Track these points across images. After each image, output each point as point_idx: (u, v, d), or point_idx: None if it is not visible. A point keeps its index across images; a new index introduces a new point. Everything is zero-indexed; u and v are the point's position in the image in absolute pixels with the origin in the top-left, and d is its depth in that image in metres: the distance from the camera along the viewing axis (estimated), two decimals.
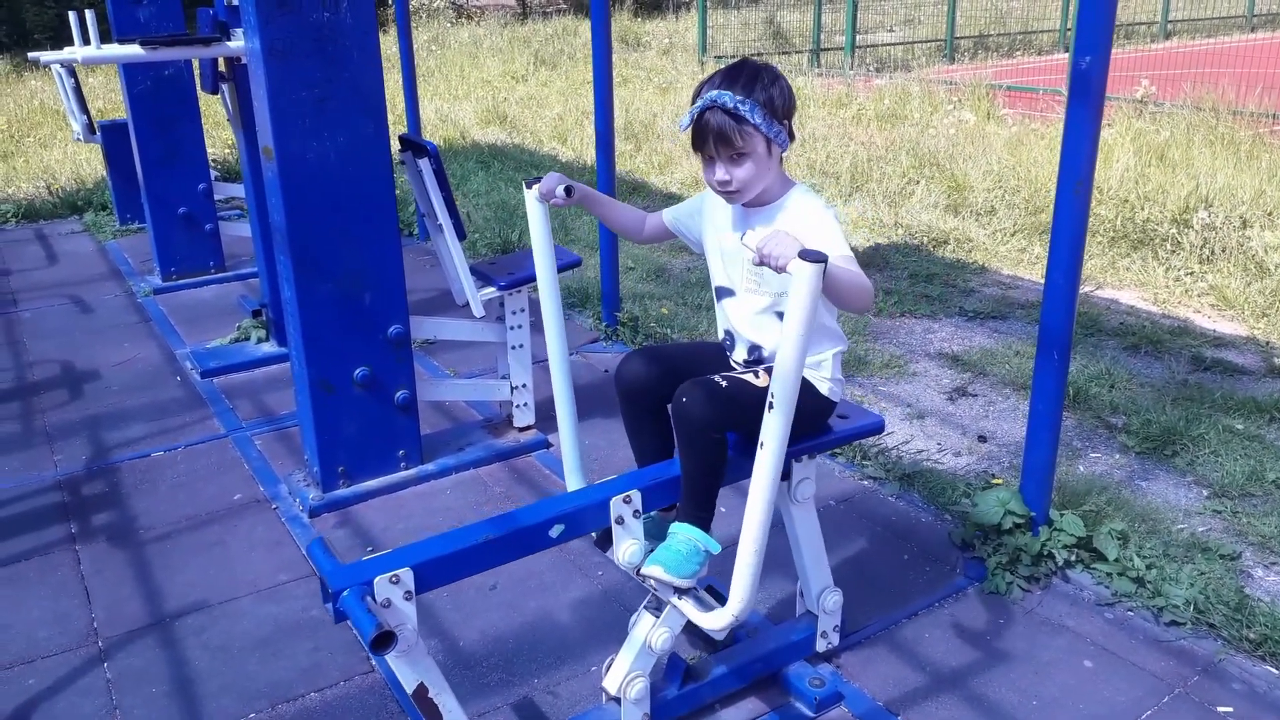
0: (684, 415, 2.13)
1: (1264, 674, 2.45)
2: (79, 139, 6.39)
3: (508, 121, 10.74)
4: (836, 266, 1.90)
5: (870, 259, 5.95)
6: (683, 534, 2.17)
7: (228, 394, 4.26)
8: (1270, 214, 6.00)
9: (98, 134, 6.33)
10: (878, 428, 2.49)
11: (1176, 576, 2.72)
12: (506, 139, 10.05)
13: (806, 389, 2.23)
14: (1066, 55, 12.43)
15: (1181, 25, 18.35)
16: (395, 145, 3.44)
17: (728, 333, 2.38)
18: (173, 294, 5.53)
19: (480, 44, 16.67)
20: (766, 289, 2.23)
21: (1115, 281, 5.50)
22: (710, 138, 2.10)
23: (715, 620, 2.09)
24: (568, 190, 2.32)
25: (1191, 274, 5.47)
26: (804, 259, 1.73)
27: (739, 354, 2.35)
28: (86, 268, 6.12)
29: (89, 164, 8.43)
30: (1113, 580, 2.75)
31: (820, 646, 2.49)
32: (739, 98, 2.06)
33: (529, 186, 2.35)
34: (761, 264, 1.84)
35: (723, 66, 2.17)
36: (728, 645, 2.49)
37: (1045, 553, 2.83)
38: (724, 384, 2.16)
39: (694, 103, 2.13)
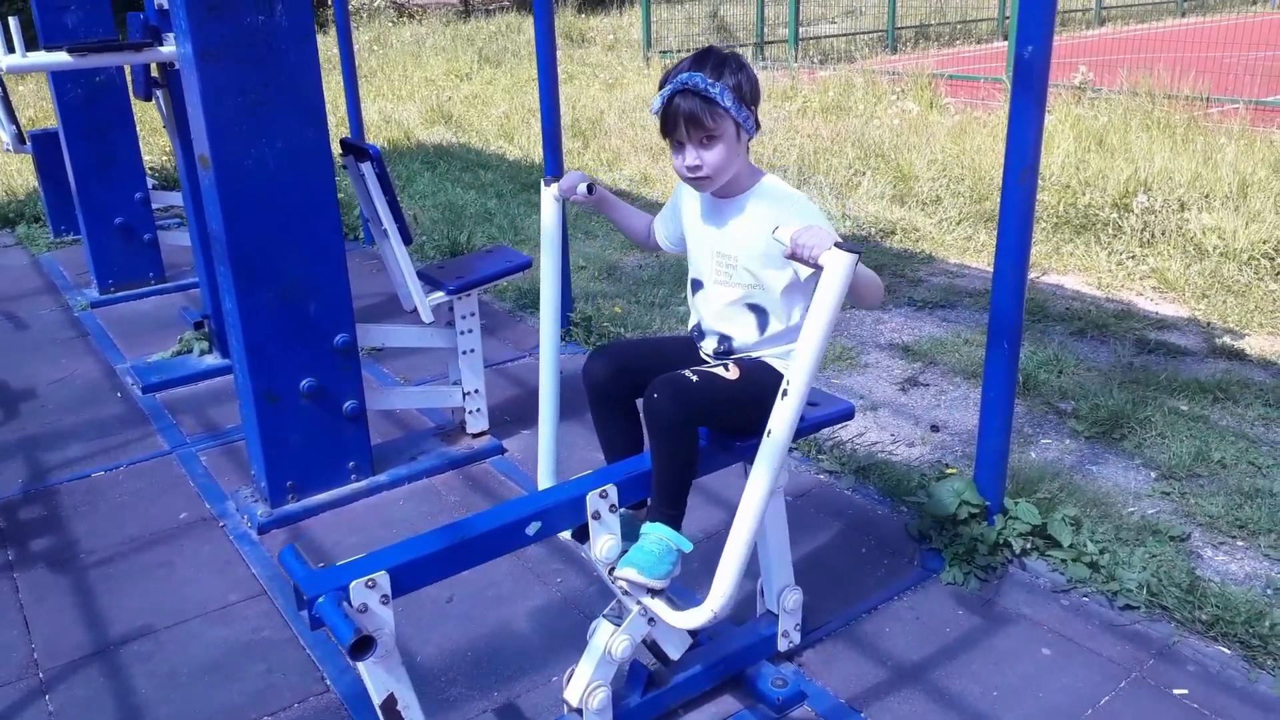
0: (654, 411, 2.10)
1: (1216, 654, 2.48)
2: (8, 149, 6.18)
3: (453, 121, 10.62)
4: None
5: None
6: (654, 534, 2.14)
7: (171, 409, 4.14)
8: (1207, 196, 6.12)
9: (28, 144, 6.13)
10: (848, 413, 2.49)
11: (1129, 560, 2.75)
12: (452, 138, 9.94)
13: (775, 378, 2.23)
14: (1005, 44, 12.60)
15: (1115, 11, 18.73)
16: (337, 149, 3.37)
17: (697, 324, 2.37)
18: (111, 307, 5.37)
19: (423, 43, 16.49)
20: (736, 281, 2.23)
21: (1060, 267, 5.58)
22: (681, 120, 2.09)
23: (692, 618, 2.06)
24: (589, 188, 2.35)
25: (1133, 257, 5.56)
26: (839, 250, 1.78)
27: (708, 345, 2.33)
28: (19, 282, 5.93)
29: (20, 175, 8.17)
30: (1067, 566, 2.78)
31: (782, 646, 2.48)
32: (709, 80, 2.05)
33: (548, 184, 2.40)
34: (793, 256, 1.87)
35: (688, 54, 2.17)
36: (690, 649, 2.47)
37: (1001, 542, 2.85)
38: (695, 378, 2.14)
39: (662, 89, 2.12)
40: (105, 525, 3.29)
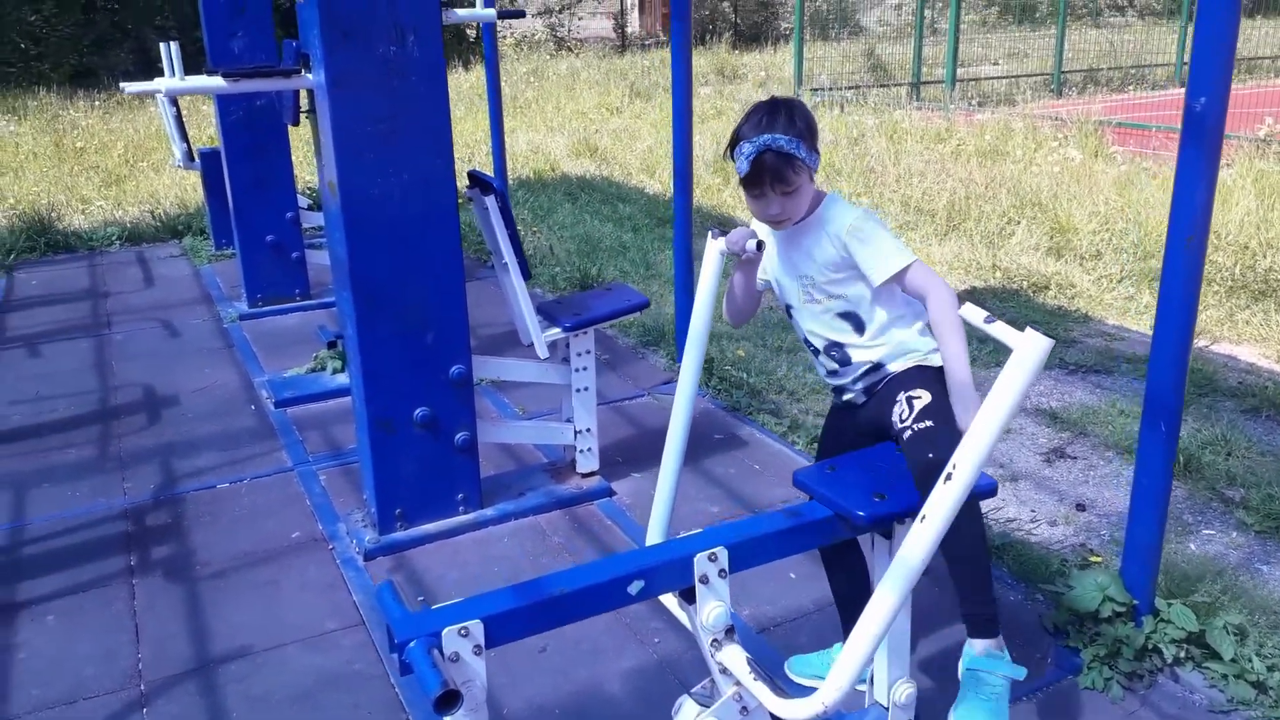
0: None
1: None
2: (179, 165, 6.56)
3: (598, 153, 10.72)
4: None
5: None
6: (988, 672, 2.11)
7: (299, 425, 4.23)
8: None
9: (197, 160, 6.49)
10: (989, 490, 2.28)
11: None
12: (596, 171, 10.03)
13: (929, 367, 2.25)
14: (1182, 90, 11.88)
15: None
16: (463, 181, 3.37)
17: (805, 341, 2.42)
18: (258, 320, 5.59)
19: (578, 76, 16.81)
20: (819, 297, 2.31)
21: (1233, 336, 5.10)
22: (767, 178, 2.16)
23: (800, 709, 1.86)
24: (759, 245, 2.29)
25: None
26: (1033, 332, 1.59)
27: (826, 361, 2.38)
28: (180, 291, 6.25)
29: (194, 190, 8.68)
30: (1228, 684, 2.45)
31: None
32: (789, 138, 2.13)
33: (714, 237, 2.33)
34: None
35: (755, 105, 2.21)
36: None
37: (1150, 647, 2.54)
38: (932, 423, 2.12)
39: (733, 144, 2.19)
40: (222, 538, 3.36)
